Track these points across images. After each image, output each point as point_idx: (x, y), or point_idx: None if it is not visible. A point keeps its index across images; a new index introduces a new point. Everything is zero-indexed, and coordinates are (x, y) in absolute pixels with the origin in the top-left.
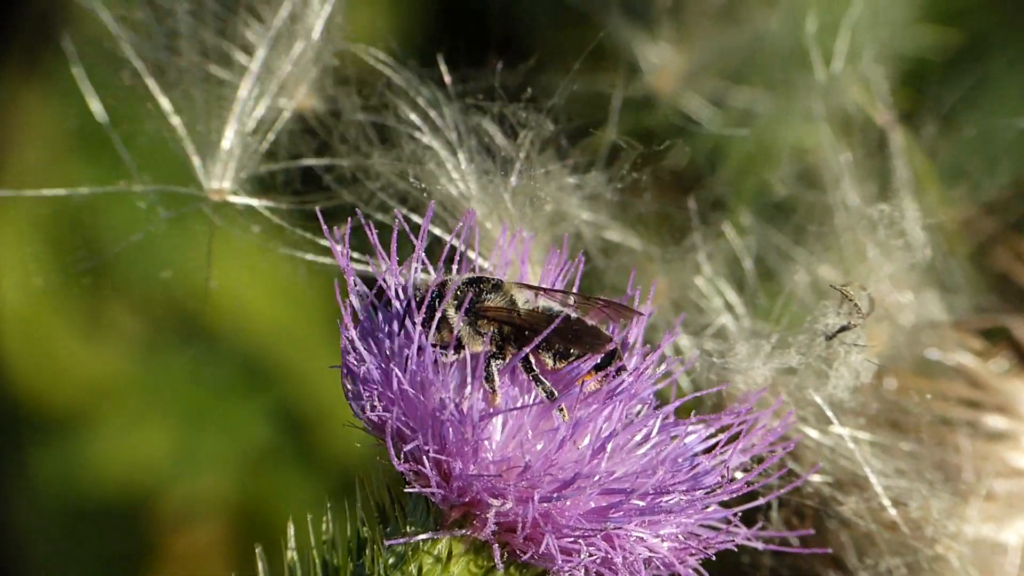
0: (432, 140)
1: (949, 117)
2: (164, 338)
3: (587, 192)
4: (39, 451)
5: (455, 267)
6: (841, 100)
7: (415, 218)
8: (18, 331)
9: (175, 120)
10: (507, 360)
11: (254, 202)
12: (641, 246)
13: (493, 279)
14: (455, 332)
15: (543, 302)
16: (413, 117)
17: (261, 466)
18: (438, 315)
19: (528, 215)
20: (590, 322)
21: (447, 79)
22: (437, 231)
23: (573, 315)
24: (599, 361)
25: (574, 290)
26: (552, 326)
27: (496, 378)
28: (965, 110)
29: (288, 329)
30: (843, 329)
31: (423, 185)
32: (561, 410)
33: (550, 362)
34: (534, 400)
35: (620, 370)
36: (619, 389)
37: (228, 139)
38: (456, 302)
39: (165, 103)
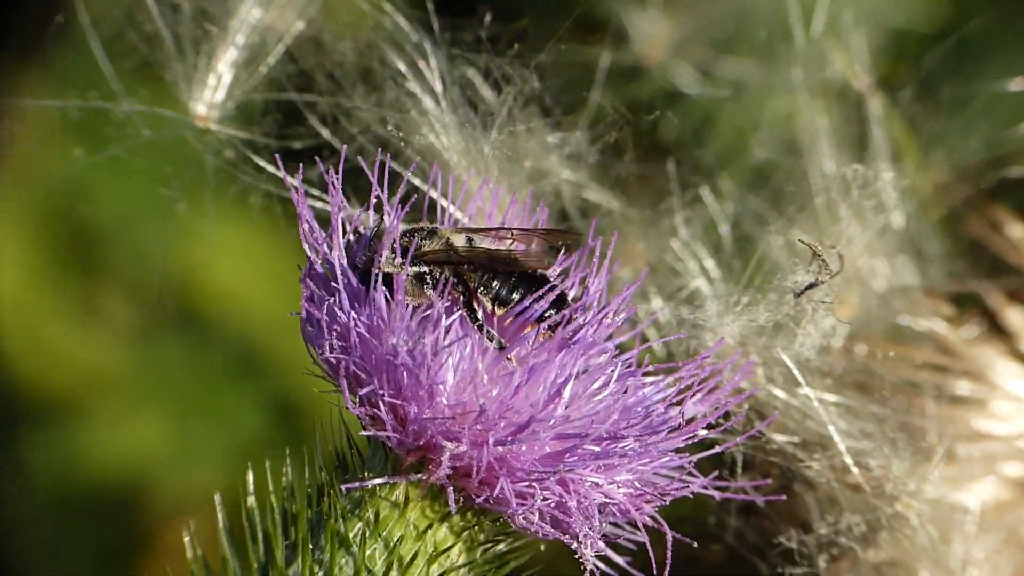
0: (416, 87)
1: (928, 83)
2: (157, 326)
3: (568, 151)
4: (31, 441)
5: (420, 215)
6: (822, 68)
7: (395, 166)
8: (10, 319)
9: (167, 39)
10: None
11: (237, 132)
12: (620, 208)
13: (428, 226)
14: (403, 274)
15: (484, 244)
16: (399, 63)
17: (254, 456)
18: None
19: (507, 169)
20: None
21: (435, 25)
22: (417, 181)
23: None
24: (545, 308)
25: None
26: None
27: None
28: (945, 77)
29: (282, 317)
30: (811, 286)
31: (401, 134)
32: (509, 358)
33: (489, 306)
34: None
35: (569, 318)
36: (575, 338)
37: (218, 67)
38: (398, 249)
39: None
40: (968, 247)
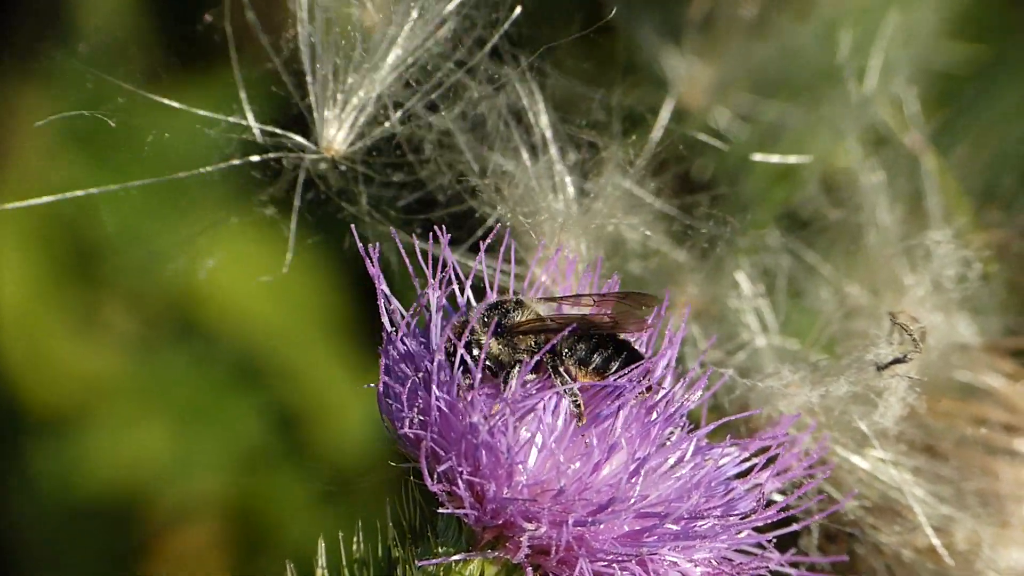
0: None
1: (983, 137)
2: (159, 336)
3: (634, 200)
4: (34, 449)
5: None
6: (871, 118)
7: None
8: (12, 330)
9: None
10: (538, 368)
11: (359, 168)
12: (682, 257)
13: (512, 298)
14: (483, 352)
15: (568, 311)
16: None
17: (255, 465)
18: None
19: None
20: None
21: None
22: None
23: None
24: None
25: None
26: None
27: (514, 383)
28: (996, 128)
29: (284, 327)
30: (897, 361)
31: (529, 221)
32: (585, 435)
33: (574, 371)
34: (568, 420)
35: (649, 388)
36: (655, 414)
37: (354, 99)
38: (484, 327)
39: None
40: None
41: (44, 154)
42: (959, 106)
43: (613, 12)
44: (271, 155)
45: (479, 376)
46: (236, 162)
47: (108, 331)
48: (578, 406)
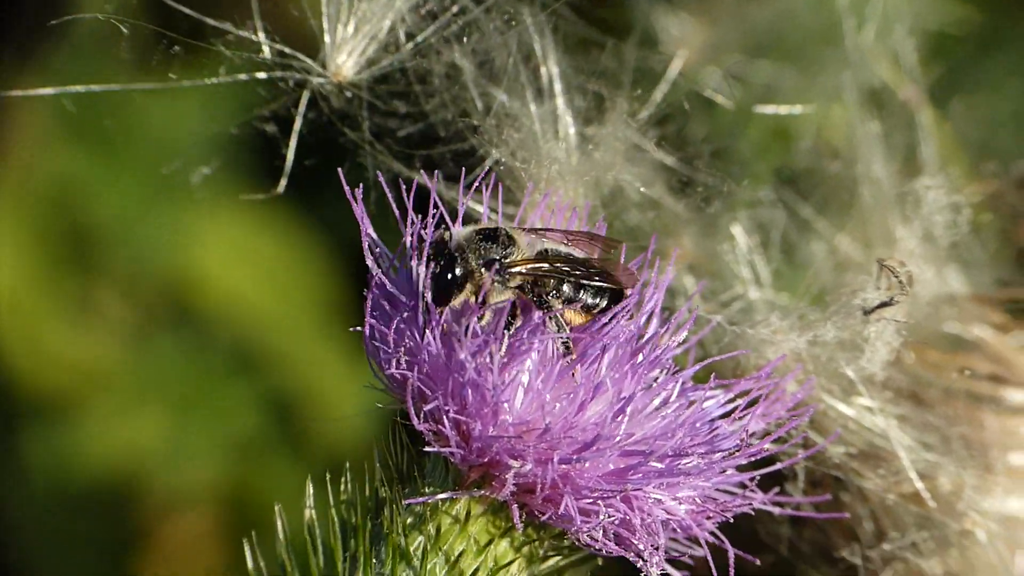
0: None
1: (979, 93)
2: (153, 323)
3: (635, 151)
4: (28, 436)
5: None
6: (867, 74)
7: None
8: (7, 317)
9: None
10: (522, 315)
11: (364, 95)
12: (679, 209)
13: (501, 230)
14: (483, 290)
15: (549, 245)
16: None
17: (250, 453)
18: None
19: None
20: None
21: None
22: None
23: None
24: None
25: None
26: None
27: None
28: (998, 86)
29: (278, 315)
30: (883, 304)
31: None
32: (574, 373)
33: (566, 310)
34: (554, 359)
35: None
36: (641, 356)
37: (367, 27)
38: (481, 260)
39: None
40: (1018, 253)
41: (40, 140)
42: (956, 63)
43: None
44: (278, 74)
45: (487, 316)
46: (243, 77)
47: (103, 318)
48: (567, 344)
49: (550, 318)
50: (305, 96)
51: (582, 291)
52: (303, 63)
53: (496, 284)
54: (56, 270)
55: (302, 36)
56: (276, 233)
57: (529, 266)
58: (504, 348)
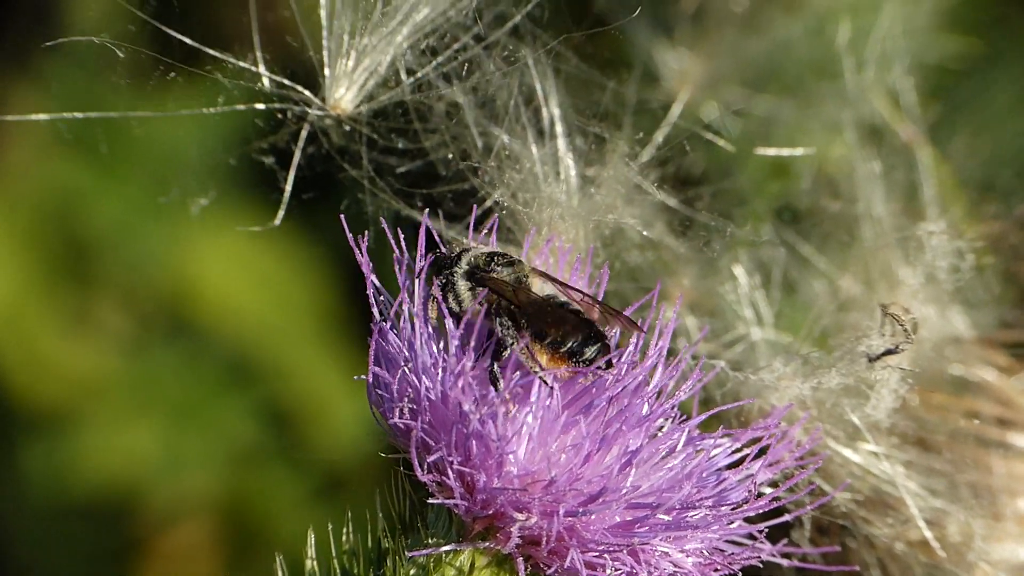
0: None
1: (981, 131)
2: (150, 334)
3: (635, 192)
4: (25, 447)
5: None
6: (867, 110)
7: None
8: (3, 329)
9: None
10: (508, 351)
11: (364, 129)
12: (680, 249)
13: (513, 258)
14: (455, 294)
15: (550, 290)
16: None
17: (247, 463)
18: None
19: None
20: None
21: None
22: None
23: (572, 306)
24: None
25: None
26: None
27: (499, 376)
28: (999, 123)
29: (275, 325)
30: (889, 352)
31: (527, 210)
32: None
33: (544, 356)
34: (559, 410)
35: (608, 365)
36: (647, 404)
37: (367, 60)
38: (468, 268)
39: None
40: (1021, 295)
41: (36, 151)
42: (955, 100)
43: (638, 11)
44: (276, 105)
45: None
46: (240, 107)
47: (100, 329)
48: (542, 377)
49: (520, 351)
50: (304, 129)
51: (568, 338)
52: (302, 95)
53: (468, 293)
54: (53, 282)
55: (302, 68)
56: (273, 244)
57: (493, 284)
58: (496, 369)
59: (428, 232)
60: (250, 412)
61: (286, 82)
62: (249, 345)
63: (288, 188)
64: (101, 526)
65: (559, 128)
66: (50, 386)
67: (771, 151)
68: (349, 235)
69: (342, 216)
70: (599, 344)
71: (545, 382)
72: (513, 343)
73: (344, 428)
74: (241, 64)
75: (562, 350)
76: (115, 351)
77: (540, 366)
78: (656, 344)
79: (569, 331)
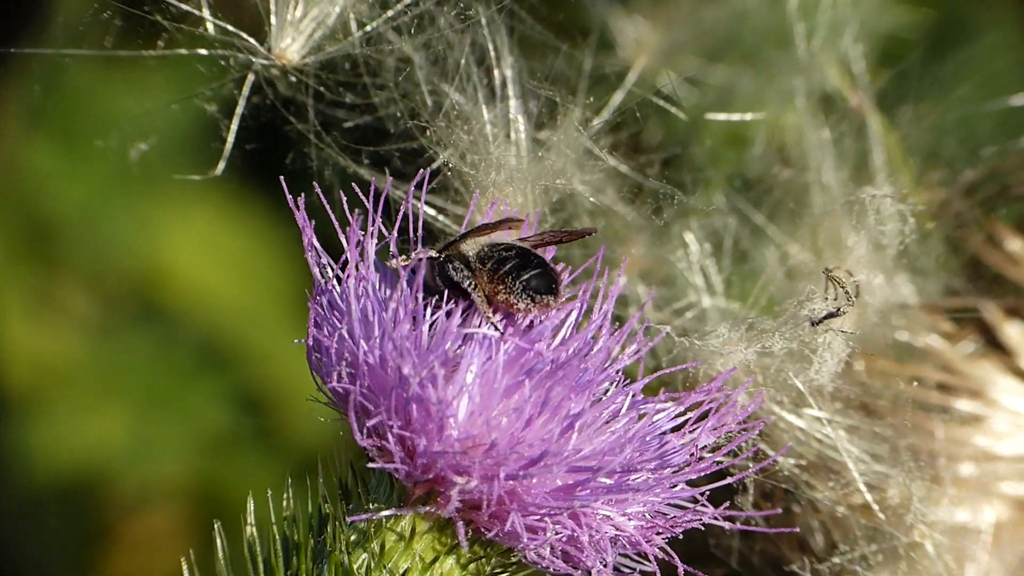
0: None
1: (928, 99)
2: (118, 317)
3: (587, 157)
4: None
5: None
6: (818, 78)
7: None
8: None
9: None
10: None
11: (310, 81)
12: (630, 216)
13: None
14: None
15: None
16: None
17: (219, 449)
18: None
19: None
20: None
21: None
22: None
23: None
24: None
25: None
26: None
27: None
28: (946, 92)
29: (246, 308)
30: (831, 316)
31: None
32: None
33: (498, 292)
34: (500, 372)
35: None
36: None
37: (315, 10)
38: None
39: None
40: (966, 262)
41: (13, 139)
42: (905, 68)
43: None
44: (220, 51)
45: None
46: (183, 51)
47: (64, 312)
48: (495, 326)
49: (475, 293)
50: (249, 79)
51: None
52: (246, 43)
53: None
54: (15, 263)
55: (248, 15)
56: (243, 225)
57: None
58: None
59: (367, 184)
60: (221, 397)
61: (230, 28)
62: (220, 328)
63: (231, 138)
64: (69, 512)
65: (511, 89)
66: (15, 371)
67: (722, 116)
68: (288, 196)
69: (281, 178)
70: (548, 273)
71: (497, 328)
72: (468, 283)
73: (317, 413)
74: (184, 7)
75: (511, 279)
76: (82, 335)
77: (492, 310)
78: (600, 308)
79: (514, 256)
